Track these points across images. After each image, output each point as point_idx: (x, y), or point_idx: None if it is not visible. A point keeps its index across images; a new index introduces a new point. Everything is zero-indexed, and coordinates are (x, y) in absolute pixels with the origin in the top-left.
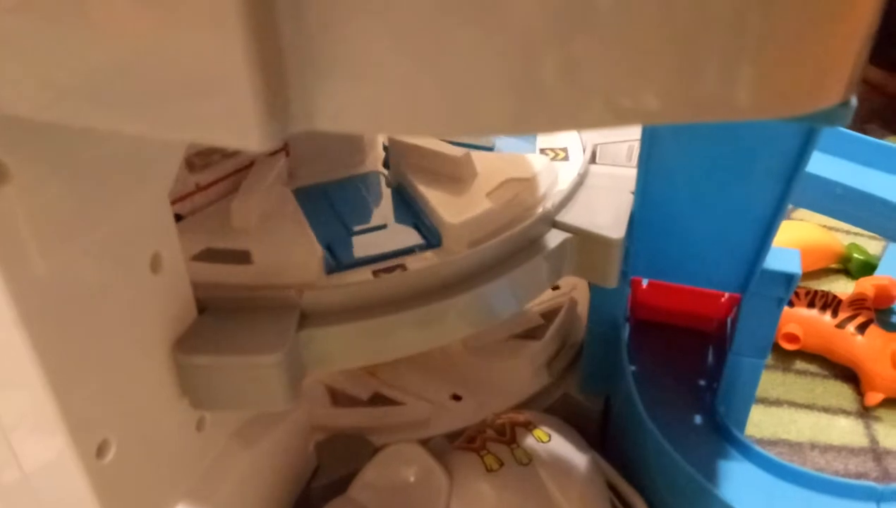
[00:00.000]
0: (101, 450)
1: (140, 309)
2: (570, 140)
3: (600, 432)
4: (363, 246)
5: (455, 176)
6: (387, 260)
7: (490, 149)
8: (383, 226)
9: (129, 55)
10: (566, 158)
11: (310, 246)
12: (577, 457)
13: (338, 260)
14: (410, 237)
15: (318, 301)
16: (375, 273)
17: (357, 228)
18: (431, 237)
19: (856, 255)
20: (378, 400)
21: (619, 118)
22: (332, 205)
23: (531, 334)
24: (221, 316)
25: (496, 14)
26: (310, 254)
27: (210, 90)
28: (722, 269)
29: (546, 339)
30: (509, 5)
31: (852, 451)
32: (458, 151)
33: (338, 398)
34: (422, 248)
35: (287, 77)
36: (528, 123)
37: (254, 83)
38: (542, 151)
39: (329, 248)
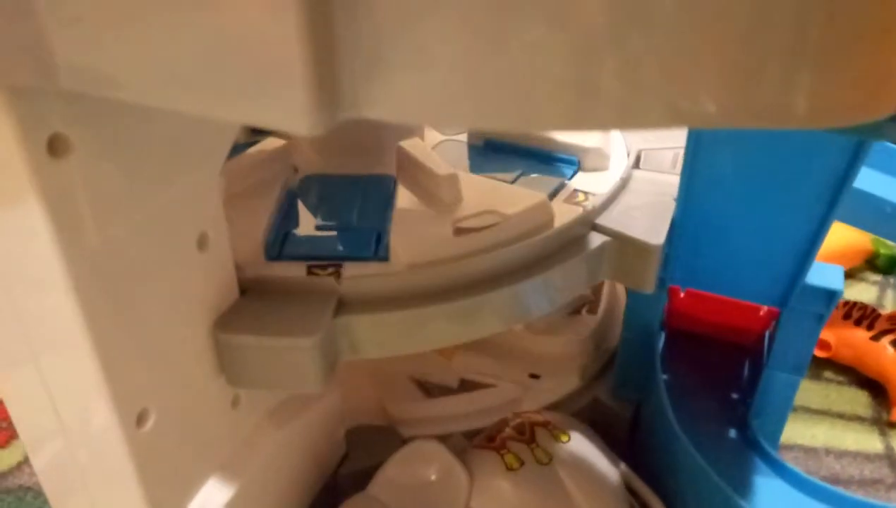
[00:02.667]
0: (140, 419)
1: (185, 285)
2: (615, 144)
3: (629, 439)
4: (312, 243)
5: (437, 195)
6: (322, 261)
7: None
8: (347, 229)
9: (187, 37)
10: (585, 201)
11: (254, 231)
12: (597, 458)
13: (280, 250)
14: (359, 245)
15: (357, 289)
16: (310, 270)
17: (322, 224)
18: (381, 249)
19: (883, 251)
20: (467, 386)
21: (675, 120)
22: (324, 197)
23: (579, 309)
24: (262, 299)
25: (557, 13)
26: (251, 239)
27: (265, 75)
28: (762, 282)
29: (600, 312)
30: (572, 5)
31: (867, 457)
32: (445, 170)
33: (429, 389)
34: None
35: (339, 65)
36: (584, 122)
37: (306, 70)
38: (575, 192)
39: (284, 237)
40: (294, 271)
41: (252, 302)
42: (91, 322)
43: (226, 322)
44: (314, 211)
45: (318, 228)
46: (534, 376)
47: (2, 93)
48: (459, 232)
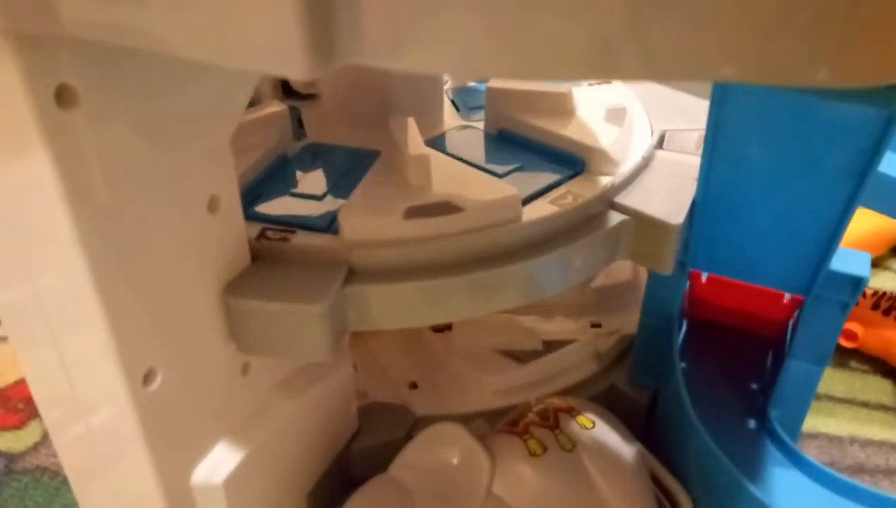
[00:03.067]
0: (147, 378)
1: (195, 247)
2: (639, 123)
3: (645, 426)
4: (275, 206)
5: (406, 175)
6: (277, 225)
7: None
8: (315, 198)
9: None
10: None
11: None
12: (621, 445)
13: (245, 210)
14: (317, 215)
15: (366, 258)
16: (262, 232)
17: (296, 190)
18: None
19: None
20: (552, 346)
21: (697, 73)
22: (314, 165)
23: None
24: (273, 266)
25: None
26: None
27: (257, 16)
28: (785, 268)
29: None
30: None
31: (893, 446)
32: (416, 151)
33: (516, 356)
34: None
35: (335, 6)
36: (605, 73)
37: (298, 10)
38: (566, 193)
39: (255, 197)
40: (248, 231)
41: (263, 268)
42: (98, 277)
43: (235, 286)
44: (299, 177)
45: (292, 194)
46: (595, 325)
47: (8, 39)
48: (410, 214)
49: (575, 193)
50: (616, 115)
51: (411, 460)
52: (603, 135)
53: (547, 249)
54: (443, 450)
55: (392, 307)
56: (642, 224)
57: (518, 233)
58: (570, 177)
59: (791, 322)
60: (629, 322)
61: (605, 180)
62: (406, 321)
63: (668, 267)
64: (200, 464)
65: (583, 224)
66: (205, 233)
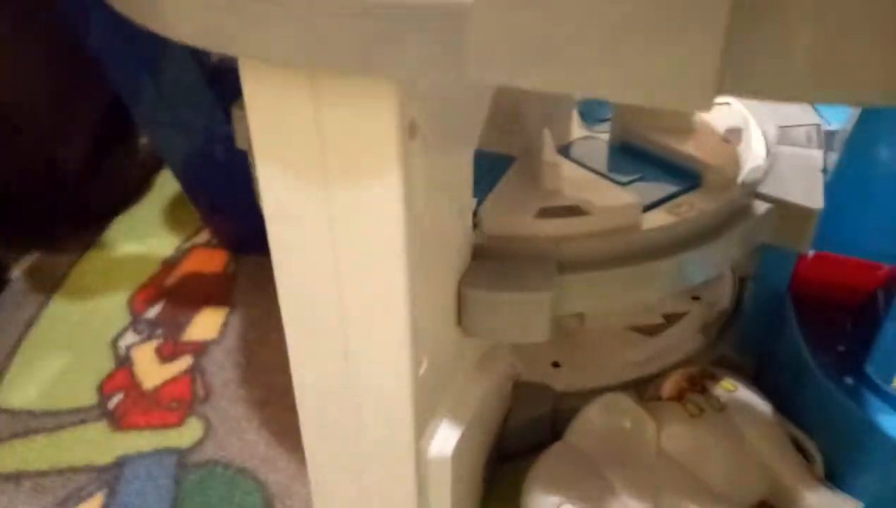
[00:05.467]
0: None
1: (450, 246)
2: (756, 134)
3: None
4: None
5: (540, 179)
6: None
7: None
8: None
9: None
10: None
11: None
12: (761, 403)
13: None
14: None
15: (571, 251)
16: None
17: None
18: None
19: None
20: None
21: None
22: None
23: (647, 330)
24: (493, 261)
25: None
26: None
27: (675, 53)
28: None
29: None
30: None
31: None
32: (550, 158)
33: (643, 331)
34: (688, 189)
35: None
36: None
37: (718, 51)
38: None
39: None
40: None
41: (484, 264)
42: (409, 279)
43: (470, 279)
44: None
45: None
46: (695, 297)
47: (391, 85)
48: (542, 214)
49: (691, 203)
50: (734, 135)
51: (585, 427)
52: (719, 152)
53: (712, 237)
54: (614, 417)
55: (595, 292)
56: (786, 210)
57: (690, 225)
58: (687, 190)
59: (881, 290)
60: (724, 293)
61: (719, 194)
62: (606, 304)
63: (807, 247)
64: (433, 440)
65: (736, 214)
66: (455, 235)
